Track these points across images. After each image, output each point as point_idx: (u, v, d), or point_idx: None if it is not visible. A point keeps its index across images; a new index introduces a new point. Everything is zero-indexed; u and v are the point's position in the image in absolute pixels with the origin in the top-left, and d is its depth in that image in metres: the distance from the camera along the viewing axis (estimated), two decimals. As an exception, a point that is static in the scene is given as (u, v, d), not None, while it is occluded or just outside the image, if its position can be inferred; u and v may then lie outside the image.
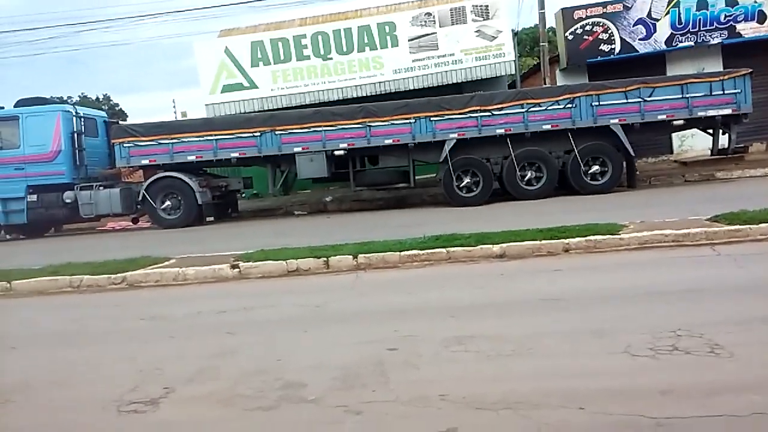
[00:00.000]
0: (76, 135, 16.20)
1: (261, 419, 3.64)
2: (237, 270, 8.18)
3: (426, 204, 16.45)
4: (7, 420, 3.96)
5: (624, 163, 15.00)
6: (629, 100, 14.59)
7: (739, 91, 14.42)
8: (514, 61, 19.49)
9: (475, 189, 14.94)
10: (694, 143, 19.11)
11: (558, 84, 19.60)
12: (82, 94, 49.03)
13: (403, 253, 8.05)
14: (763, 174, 15.67)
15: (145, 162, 15.92)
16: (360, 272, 7.81)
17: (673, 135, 18.98)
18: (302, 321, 5.77)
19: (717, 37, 19.19)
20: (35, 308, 7.64)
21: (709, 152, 16.28)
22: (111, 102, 49.21)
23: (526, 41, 35.60)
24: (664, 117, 14.66)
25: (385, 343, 4.72)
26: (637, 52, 19.40)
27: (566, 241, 7.90)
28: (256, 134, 15.33)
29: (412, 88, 18.81)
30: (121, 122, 20.36)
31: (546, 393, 3.58)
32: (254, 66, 19.48)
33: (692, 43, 19.28)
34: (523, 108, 14.75)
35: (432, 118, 14.90)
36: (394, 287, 7.09)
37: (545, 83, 19.89)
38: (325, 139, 15.16)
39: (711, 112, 14.56)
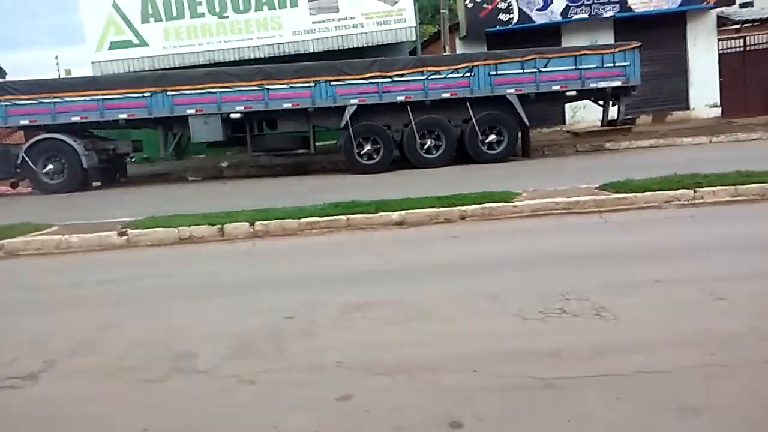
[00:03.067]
0: (-55, 92, 14.85)
1: (149, 391, 3.49)
2: (125, 237, 7.79)
3: (326, 171, 16.30)
4: None
5: (519, 133, 15.39)
6: (525, 71, 14.91)
7: (629, 64, 15.05)
8: (415, 27, 19.47)
9: (375, 156, 14.91)
10: (585, 114, 19.86)
11: (457, 53, 19.81)
12: (-48, 47, 45.11)
13: (302, 220, 7.94)
14: (648, 145, 16.55)
15: (25, 122, 14.84)
16: (257, 240, 7.64)
17: (566, 106, 19.68)
18: (195, 290, 5.59)
19: (610, 10, 19.88)
20: None
21: (599, 123, 17.02)
22: (-14, 57, 45.57)
23: (428, 8, 35.68)
24: (558, 88, 15.10)
25: (281, 311, 4.64)
26: (534, 22, 19.84)
27: (463, 208, 8.05)
28: (146, 95, 14.57)
29: (312, 51, 18.44)
30: (-3, 79, 18.87)
31: (441, 357, 3.64)
32: (145, 22, 18.47)
33: (586, 16, 19.90)
34: (423, 75, 14.79)
35: (332, 83, 14.68)
36: (293, 255, 6.99)
37: (445, 51, 20.04)
38: (220, 102, 14.63)
39: (602, 84, 15.12)
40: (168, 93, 14.57)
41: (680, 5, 19.87)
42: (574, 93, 15.40)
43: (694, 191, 8.09)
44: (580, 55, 15.06)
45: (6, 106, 14.61)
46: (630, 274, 5.11)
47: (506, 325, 4.11)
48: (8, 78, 24.21)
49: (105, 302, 5.29)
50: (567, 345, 3.69)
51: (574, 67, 14.97)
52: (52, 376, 3.77)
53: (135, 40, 18.46)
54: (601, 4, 19.80)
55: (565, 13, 19.87)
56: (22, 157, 14.57)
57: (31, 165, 14.54)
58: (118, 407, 3.33)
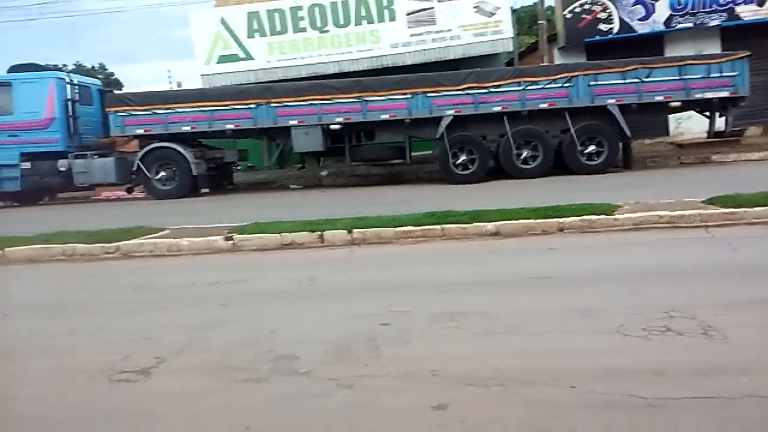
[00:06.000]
0: (70, 102, 16.03)
1: (251, 391, 3.63)
2: (231, 242, 8.14)
3: (422, 181, 16.39)
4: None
5: (620, 144, 14.96)
6: (627, 81, 14.49)
7: (737, 74, 14.34)
8: (513, 38, 19.28)
9: (470, 167, 14.89)
10: (690, 125, 19.03)
11: (556, 63, 19.47)
12: (77, 62, 48.35)
13: (397, 228, 8.03)
14: (758, 158, 15.67)
15: (140, 132, 15.79)
16: (354, 247, 7.79)
17: (670, 117, 18.92)
18: (295, 294, 5.77)
19: (716, 19, 19.03)
20: (27, 276, 7.61)
21: (705, 135, 16.28)
22: (106, 71, 48.61)
23: (525, 19, 35.22)
24: (661, 98, 14.59)
25: (377, 317, 4.71)
26: (636, 32, 19.24)
27: (561, 220, 7.89)
28: (251, 106, 15.20)
29: (409, 63, 18.58)
30: (115, 91, 20.09)
31: (536, 370, 3.59)
32: (250, 37, 19.24)
33: (691, 25, 19.13)
34: (520, 86, 14.66)
35: (429, 94, 14.79)
36: (389, 263, 7.09)
37: (543, 62, 19.73)
38: (321, 113, 15.04)
39: (708, 95, 14.48)
40: (272, 105, 15.13)
41: (793, 12, 18.75)
42: (678, 104, 14.86)
43: (812, 207, 7.59)
44: (685, 64, 14.49)
45: (123, 116, 15.61)
46: (739, 293, 4.86)
47: (606, 341, 4.01)
48: (125, 90, 25.81)
49: (211, 303, 5.55)
50: (671, 364, 3.56)
51: (678, 78, 14.42)
52: (163, 372, 3.97)
53: (241, 54, 19.24)
54: (707, 12, 18.96)
55: (668, 22, 19.17)
56: (137, 164, 15.55)
57: (145, 172, 15.48)
58: (223, 405, 3.47)
